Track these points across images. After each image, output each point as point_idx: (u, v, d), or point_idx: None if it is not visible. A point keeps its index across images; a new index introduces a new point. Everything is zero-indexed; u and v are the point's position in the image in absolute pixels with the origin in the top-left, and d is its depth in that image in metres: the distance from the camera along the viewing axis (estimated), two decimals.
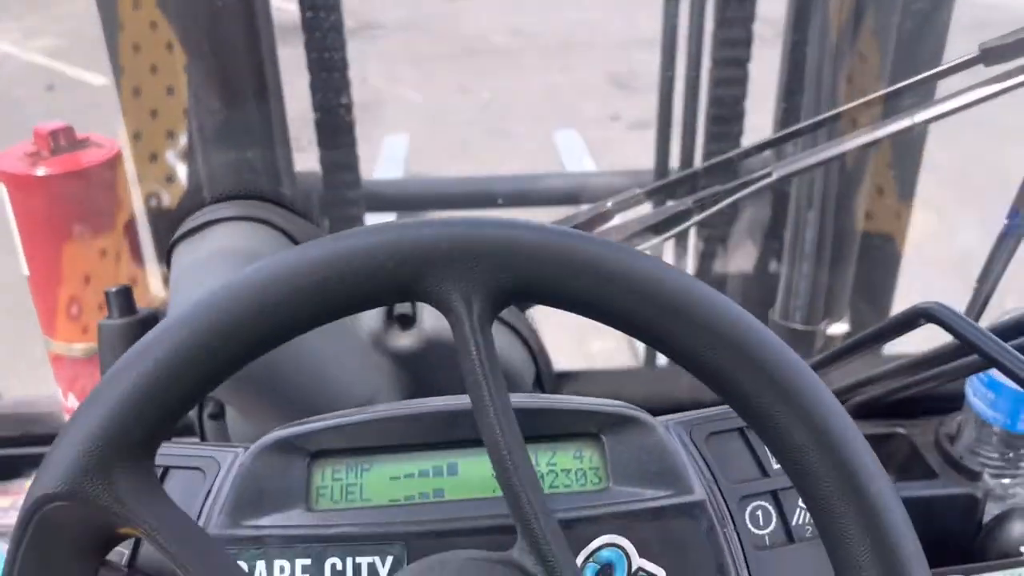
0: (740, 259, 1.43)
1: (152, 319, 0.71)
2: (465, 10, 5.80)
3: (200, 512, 0.47)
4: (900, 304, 1.47)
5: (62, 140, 1.21)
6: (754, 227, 1.38)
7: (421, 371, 0.75)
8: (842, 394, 0.75)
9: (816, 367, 0.73)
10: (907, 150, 1.30)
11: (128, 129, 1.33)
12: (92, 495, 0.34)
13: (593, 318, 0.36)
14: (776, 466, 0.51)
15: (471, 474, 0.48)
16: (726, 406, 0.53)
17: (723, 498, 0.49)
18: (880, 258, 1.40)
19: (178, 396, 0.35)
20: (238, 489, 0.47)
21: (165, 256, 0.71)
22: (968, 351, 0.60)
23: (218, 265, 0.65)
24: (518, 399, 0.51)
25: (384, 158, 3.53)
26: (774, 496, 0.50)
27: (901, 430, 0.91)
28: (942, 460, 0.86)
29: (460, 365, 0.36)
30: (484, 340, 0.35)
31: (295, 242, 0.69)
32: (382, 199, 1.52)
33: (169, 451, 0.49)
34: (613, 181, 1.62)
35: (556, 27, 5.45)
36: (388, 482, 0.48)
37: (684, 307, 0.35)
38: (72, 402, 1.16)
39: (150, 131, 1.32)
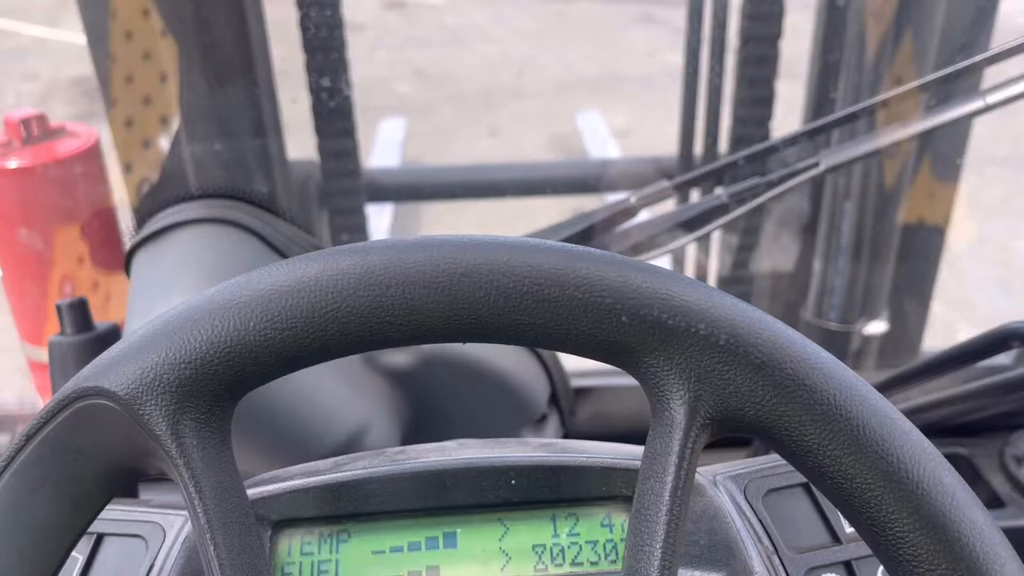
0: (768, 252, 1.32)
1: (113, 334, 0.62)
2: (355, 47, 4.58)
3: None
4: (939, 300, 1.37)
5: (35, 129, 1.12)
6: (785, 218, 1.28)
7: (420, 392, 0.66)
8: (909, 415, 0.66)
9: (887, 386, 0.63)
10: (950, 139, 1.20)
11: (117, 119, 1.24)
12: (150, 417, 0.26)
13: (809, 479, 0.29)
14: (849, 530, 0.42)
15: (473, 547, 0.39)
16: None
17: (786, 573, 0.40)
18: (920, 252, 1.30)
19: (292, 356, 0.27)
20: (184, 565, 0.38)
21: (124, 262, 0.61)
22: None
23: (180, 277, 0.56)
24: (532, 452, 0.41)
25: (380, 142, 3.39)
26: (847, 568, 0.41)
27: (961, 450, 0.81)
28: (1010, 486, 0.76)
29: (643, 468, 0.28)
30: (690, 462, 0.27)
31: (270, 246, 0.60)
32: (384, 189, 1.42)
33: (105, 514, 0.40)
34: (631, 168, 1.52)
35: (469, 67, 4.19)
36: (370, 558, 0.39)
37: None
38: None
39: (143, 118, 1.23)
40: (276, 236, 0.60)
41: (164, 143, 1.25)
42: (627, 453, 0.41)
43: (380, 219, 2.55)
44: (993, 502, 0.77)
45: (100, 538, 0.40)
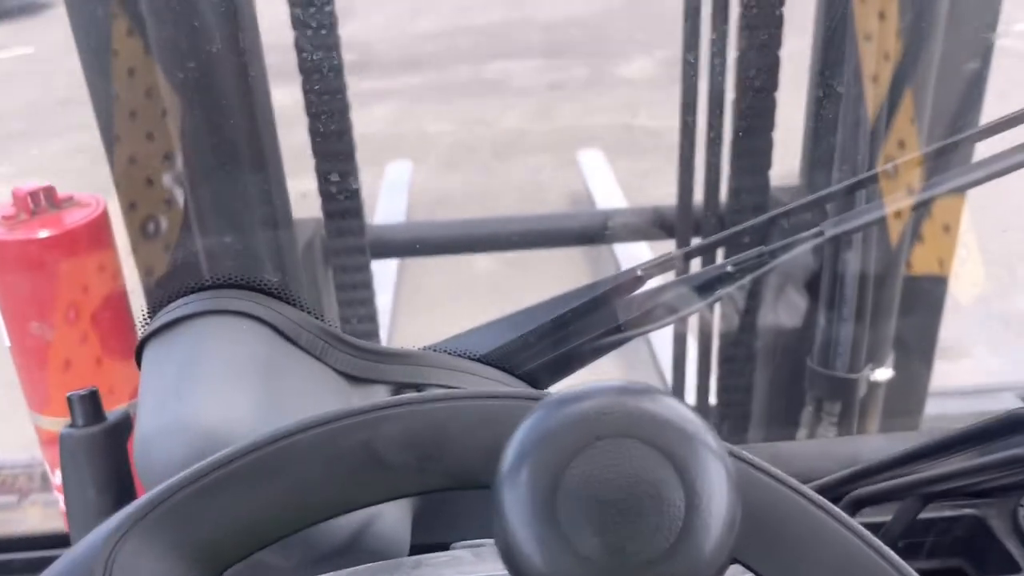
0: (773, 301, 1.33)
1: (124, 423, 0.63)
2: None
3: None
4: (943, 344, 1.37)
5: (43, 200, 1.13)
6: (788, 271, 1.28)
7: None
8: (919, 486, 0.66)
9: (892, 465, 0.63)
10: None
11: (121, 156, 1.25)
12: None
13: None
14: None
15: None
16: None
17: None
18: (923, 298, 1.31)
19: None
20: None
21: (135, 356, 0.62)
22: None
23: (191, 372, 0.57)
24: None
25: (387, 184, 3.42)
26: None
27: (973, 511, 0.81)
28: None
29: None
30: None
31: (280, 334, 0.60)
32: (388, 245, 1.43)
33: None
34: (632, 219, 1.53)
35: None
36: None
37: None
38: (60, 479, 1.09)
39: (146, 154, 1.24)
40: (286, 324, 0.60)
41: (167, 180, 1.26)
42: None
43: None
44: (1008, 566, 0.76)
45: None
